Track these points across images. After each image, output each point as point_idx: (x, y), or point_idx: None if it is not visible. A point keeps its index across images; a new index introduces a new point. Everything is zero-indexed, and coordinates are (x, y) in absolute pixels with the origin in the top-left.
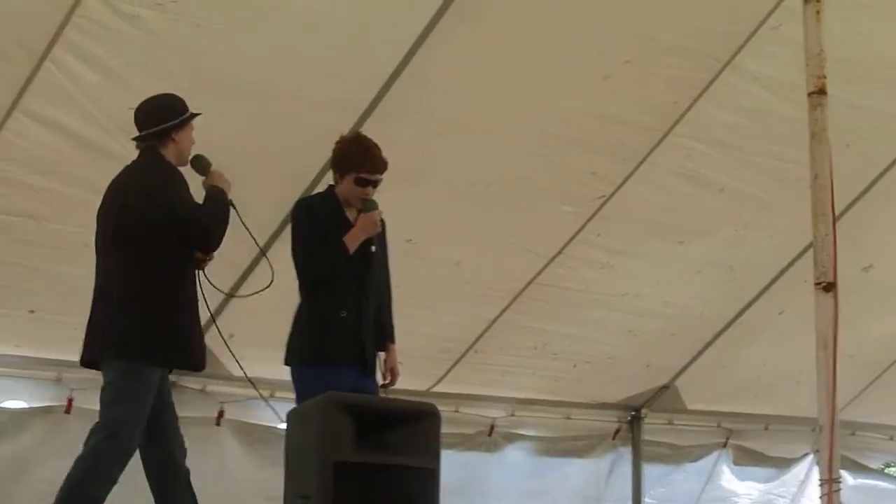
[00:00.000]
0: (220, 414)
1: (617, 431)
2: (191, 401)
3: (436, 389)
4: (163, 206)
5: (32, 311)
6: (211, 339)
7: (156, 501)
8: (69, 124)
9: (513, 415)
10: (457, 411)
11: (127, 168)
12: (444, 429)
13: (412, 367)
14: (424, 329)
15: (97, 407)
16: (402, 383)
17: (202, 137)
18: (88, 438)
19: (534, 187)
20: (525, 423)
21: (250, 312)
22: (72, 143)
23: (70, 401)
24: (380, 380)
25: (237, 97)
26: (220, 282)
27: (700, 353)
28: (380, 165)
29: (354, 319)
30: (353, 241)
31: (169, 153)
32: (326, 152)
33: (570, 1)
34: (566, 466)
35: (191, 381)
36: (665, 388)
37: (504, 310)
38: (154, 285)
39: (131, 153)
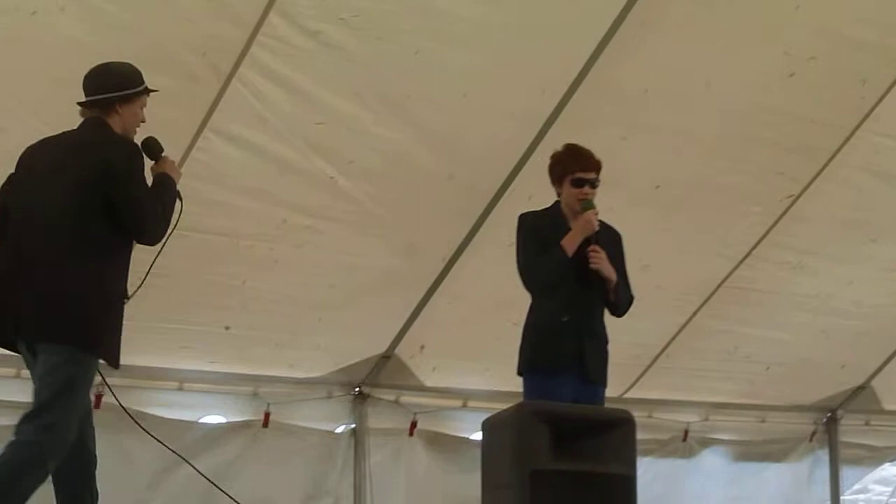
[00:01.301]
0: (413, 424)
1: (813, 434)
2: (384, 412)
3: (628, 395)
4: (131, 181)
5: (227, 328)
6: (402, 350)
7: (55, 485)
8: (257, 141)
9: (706, 419)
10: (650, 417)
11: (84, 133)
12: (639, 434)
13: None
14: (615, 335)
15: (294, 421)
16: None
17: (384, 148)
18: (18, 427)
19: (720, 189)
20: (719, 427)
21: (441, 324)
22: (260, 159)
23: (267, 415)
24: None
25: (419, 110)
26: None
27: None
28: (592, 164)
29: (576, 324)
30: (570, 243)
31: (114, 125)
32: (510, 164)
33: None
34: (764, 471)
35: (384, 393)
36: (861, 388)
37: (694, 314)
38: (111, 269)
39: (320, 169)
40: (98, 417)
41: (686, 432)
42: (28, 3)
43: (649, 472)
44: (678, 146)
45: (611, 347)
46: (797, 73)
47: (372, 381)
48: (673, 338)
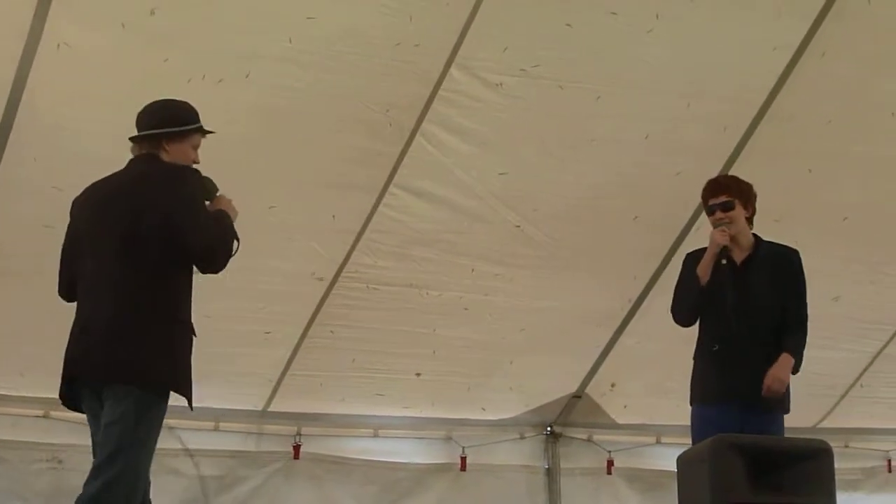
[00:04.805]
0: (610, 462)
1: None
2: (577, 451)
3: (822, 425)
4: (191, 202)
5: (419, 374)
6: (593, 389)
7: None
8: (443, 194)
9: None
10: (847, 447)
11: (135, 168)
12: (837, 464)
13: (797, 405)
14: (808, 366)
15: (492, 461)
16: (788, 421)
17: (568, 193)
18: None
19: None
20: None
21: (630, 362)
22: (446, 212)
23: (463, 459)
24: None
25: (602, 154)
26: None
27: None
28: (718, 187)
29: (726, 352)
30: (702, 268)
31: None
32: (694, 202)
33: None
34: None
35: (576, 432)
36: None
37: (887, 342)
38: (177, 304)
39: (506, 218)
40: (297, 467)
41: (889, 462)
42: (215, 71)
43: None
44: (864, 176)
45: (803, 379)
46: None
47: (564, 421)
48: (866, 367)
